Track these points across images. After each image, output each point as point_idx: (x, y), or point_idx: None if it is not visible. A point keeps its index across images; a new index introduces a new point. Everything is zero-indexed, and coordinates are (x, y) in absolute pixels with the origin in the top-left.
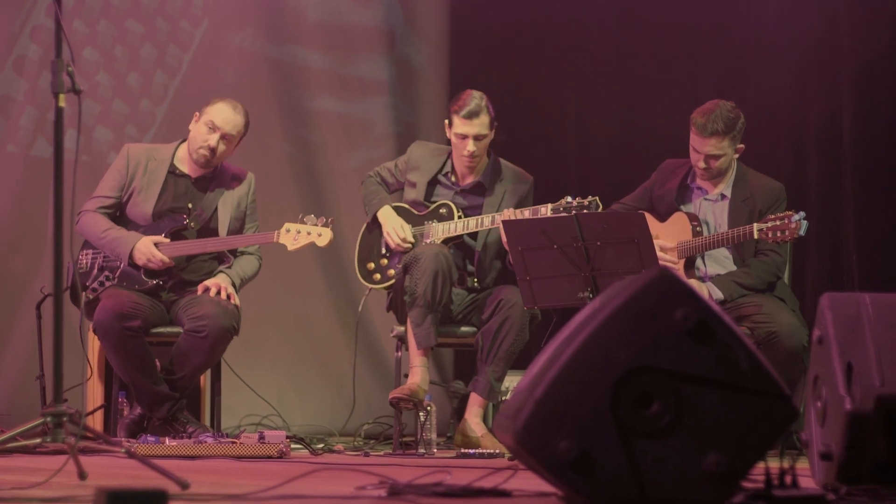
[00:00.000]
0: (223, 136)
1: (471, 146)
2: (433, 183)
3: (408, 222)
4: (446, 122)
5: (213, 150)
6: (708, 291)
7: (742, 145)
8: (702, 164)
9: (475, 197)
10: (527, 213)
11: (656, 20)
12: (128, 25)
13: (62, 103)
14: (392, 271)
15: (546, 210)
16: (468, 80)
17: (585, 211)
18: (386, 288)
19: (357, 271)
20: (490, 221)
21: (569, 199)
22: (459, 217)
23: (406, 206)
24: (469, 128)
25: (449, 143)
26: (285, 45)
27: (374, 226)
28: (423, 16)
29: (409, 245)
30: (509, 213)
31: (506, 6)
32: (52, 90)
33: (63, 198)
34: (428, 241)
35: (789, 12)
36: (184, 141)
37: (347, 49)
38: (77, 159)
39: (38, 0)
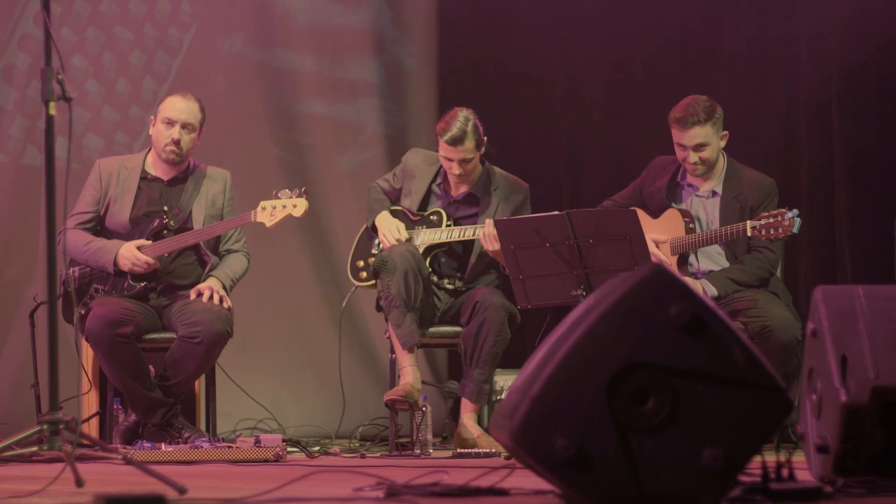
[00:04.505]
0: (183, 126)
1: (457, 170)
2: (427, 193)
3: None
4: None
5: (177, 143)
6: (703, 288)
7: (726, 132)
8: (692, 159)
9: (468, 207)
10: None
11: (646, 19)
12: (116, 32)
13: (53, 111)
14: None
15: None
16: (457, 82)
17: None
18: (373, 286)
19: (348, 270)
20: (473, 233)
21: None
22: (448, 225)
23: (402, 209)
24: (453, 153)
25: None
26: (274, 49)
27: (373, 231)
28: (411, 18)
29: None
30: (491, 224)
31: (494, 8)
32: (43, 98)
33: (55, 206)
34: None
35: (778, 10)
36: (151, 148)
37: (337, 52)
38: (69, 167)
39: (25, 9)
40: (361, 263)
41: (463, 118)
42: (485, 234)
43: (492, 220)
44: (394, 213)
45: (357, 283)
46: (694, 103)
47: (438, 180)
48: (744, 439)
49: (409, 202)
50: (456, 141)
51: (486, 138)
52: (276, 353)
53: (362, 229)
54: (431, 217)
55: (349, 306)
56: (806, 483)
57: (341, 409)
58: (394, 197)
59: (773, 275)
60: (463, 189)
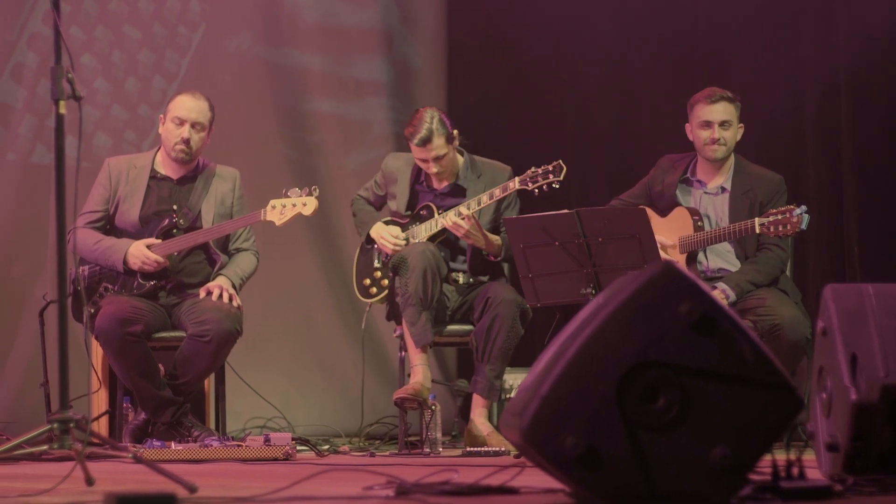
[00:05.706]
0: (193, 125)
1: (433, 168)
2: (412, 192)
3: None
4: None
5: (187, 142)
6: (724, 296)
7: (742, 125)
8: (717, 134)
9: (454, 198)
10: (497, 193)
11: (653, 17)
12: (125, 31)
13: (62, 110)
14: (386, 280)
15: (514, 184)
16: (466, 79)
17: (551, 176)
18: (383, 300)
19: (356, 291)
20: (467, 208)
21: (534, 168)
22: (439, 214)
23: (391, 217)
24: (425, 153)
25: None
26: (282, 48)
27: (367, 244)
28: (420, 16)
29: (404, 242)
30: (454, 212)
31: (503, 6)
32: (53, 97)
33: (65, 204)
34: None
35: (786, 8)
36: (161, 147)
37: (344, 51)
38: (78, 166)
39: (34, 8)
40: (368, 281)
41: (428, 117)
42: (454, 222)
43: (454, 210)
44: (385, 223)
45: (370, 301)
46: (716, 88)
47: (421, 178)
48: (753, 438)
49: (396, 205)
50: (425, 141)
51: (455, 132)
52: (286, 351)
53: (357, 251)
54: (421, 212)
55: (360, 307)
56: (816, 481)
57: (351, 411)
58: (378, 204)
59: (783, 272)
60: (446, 182)
